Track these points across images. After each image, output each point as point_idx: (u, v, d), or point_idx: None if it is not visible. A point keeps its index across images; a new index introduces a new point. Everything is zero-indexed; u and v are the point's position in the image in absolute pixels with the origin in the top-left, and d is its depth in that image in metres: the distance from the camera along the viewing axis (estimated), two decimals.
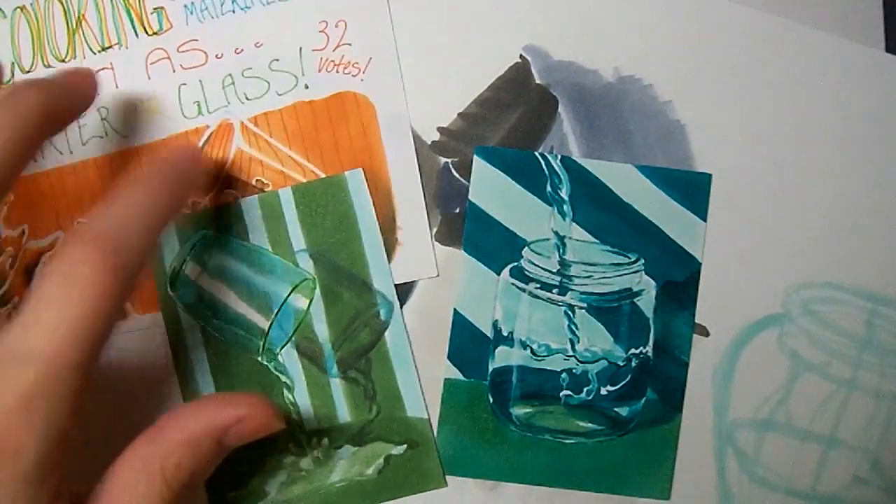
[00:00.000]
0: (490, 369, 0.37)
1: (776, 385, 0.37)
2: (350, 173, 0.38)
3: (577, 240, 0.37)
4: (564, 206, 0.36)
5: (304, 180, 0.38)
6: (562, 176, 0.36)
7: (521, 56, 0.39)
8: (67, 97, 0.32)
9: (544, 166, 0.37)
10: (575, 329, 0.36)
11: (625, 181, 0.37)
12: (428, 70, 0.39)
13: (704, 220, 0.37)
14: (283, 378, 0.37)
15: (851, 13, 0.39)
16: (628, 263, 0.36)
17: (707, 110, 0.38)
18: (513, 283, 0.37)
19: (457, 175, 0.38)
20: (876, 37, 0.39)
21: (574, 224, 0.37)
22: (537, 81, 0.39)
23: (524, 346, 0.36)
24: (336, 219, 0.38)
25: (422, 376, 0.37)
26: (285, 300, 0.36)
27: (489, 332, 0.37)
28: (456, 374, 0.37)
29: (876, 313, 0.37)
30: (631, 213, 0.37)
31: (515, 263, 0.37)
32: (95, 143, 0.38)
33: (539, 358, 0.36)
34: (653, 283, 0.37)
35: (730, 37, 0.38)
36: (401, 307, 0.38)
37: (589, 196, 0.37)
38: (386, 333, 0.37)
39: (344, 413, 0.37)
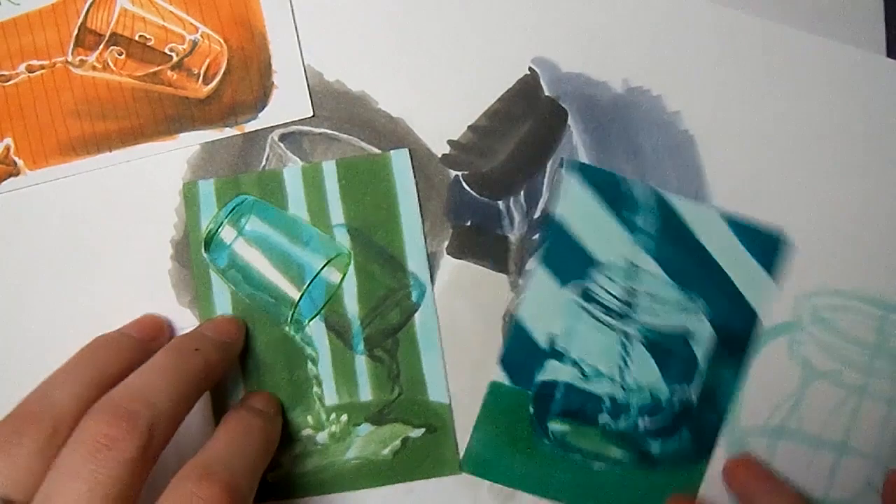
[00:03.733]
0: (537, 380, 0.37)
1: (788, 392, 0.38)
2: (396, 153, 0.38)
3: (649, 272, 0.36)
4: (645, 237, 0.36)
5: (183, 32, 0.38)
6: (649, 207, 0.36)
7: (529, 68, 0.39)
8: (222, 353, 0.34)
9: (634, 193, 0.37)
10: (627, 358, 0.36)
11: (706, 224, 0.37)
12: (437, 83, 0.39)
13: (774, 279, 0.37)
14: (308, 350, 0.37)
15: (854, 20, 0.39)
16: (692, 305, 0.36)
17: (715, 120, 0.38)
18: (577, 302, 0.37)
19: (467, 188, 0.38)
20: (878, 42, 0.39)
21: (648, 256, 0.37)
22: (546, 93, 0.39)
23: (575, 364, 0.36)
24: (377, 196, 0.37)
25: None
26: (318, 272, 0.35)
27: (544, 345, 0.37)
28: (503, 379, 0.37)
29: (887, 320, 0.37)
30: (705, 256, 0.37)
31: (584, 282, 0.37)
32: None
33: (586, 379, 0.36)
34: (711, 329, 0.37)
35: (737, 47, 0.39)
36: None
37: (669, 232, 0.37)
38: (416, 315, 0.37)
39: (366, 391, 0.37)
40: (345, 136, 0.39)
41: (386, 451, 0.37)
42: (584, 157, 0.38)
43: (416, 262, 0.37)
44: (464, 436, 0.37)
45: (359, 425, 0.37)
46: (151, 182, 0.39)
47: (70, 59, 0.39)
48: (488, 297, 0.38)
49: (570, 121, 0.39)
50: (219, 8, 0.39)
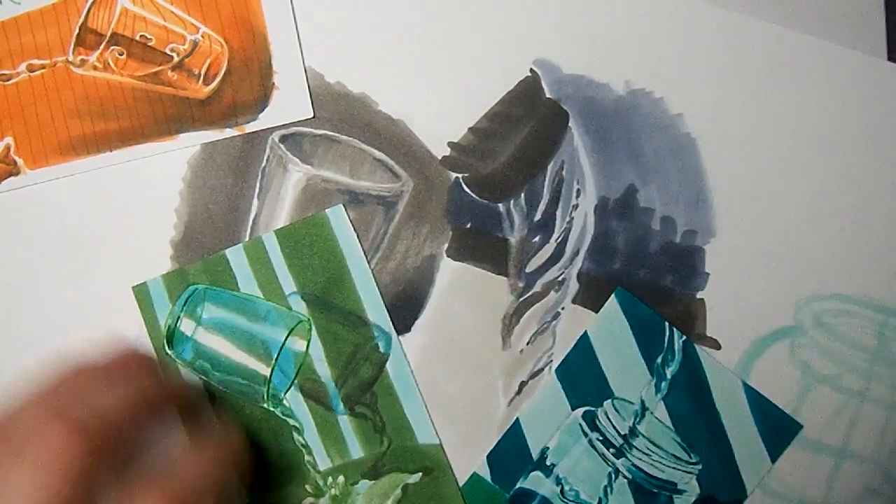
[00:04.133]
0: (517, 486, 0.37)
1: (788, 397, 0.37)
2: (331, 211, 0.38)
3: (657, 418, 0.37)
4: (663, 384, 0.37)
5: (184, 33, 0.38)
6: (676, 356, 0.37)
7: (531, 70, 0.39)
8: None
9: (667, 339, 0.37)
10: (609, 492, 0.36)
11: (727, 390, 0.37)
12: (438, 85, 0.39)
13: (773, 462, 0.37)
14: (291, 421, 0.37)
15: (855, 24, 0.39)
16: (687, 462, 0.36)
17: (718, 123, 0.38)
18: (580, 424, 0.37)
19: (467, 190, 0.38)
20: (879, 46, 0.39)
21: (661, 402, 0.37)
22: (548, 95, 0.39)
23: (558, 482, 0.37)
24: (323, 257, 0.38)
25: (434, 394, 0.38)
26: (283, 344, 0.35)
27: (535, 454, 0.37)
28: (486, 474, 0.37)
29: (887, 325, 0.37)
30: (716, 421, 0.37)
31: (591, 408, 0.37)
32: None
33: (564, 500, 0.37)
34: (698, 490, 0.37)
35: (739, 50, 0.38)
36: (413, 322, 0.38)
37: (688, 386, 0.37)
38: (387, 365, 0.37)
39: (356, 449, 0.37)
40: (345, 137, 0.39)
41: (389, 503, 0.37)
42: (584, 159, 0.38)
43: (375, 312, 0.37)
44: (470, 444, 0.37)
45: (356, 483, 0.37)
46: (152, 183, 0.38)
47: (71, 58, 0.39)
48: (488, 300, 0.38)
49: (571, 123, 0.38)
50: (220, 8, 0.39)
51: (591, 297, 0.38)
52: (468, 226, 0.38)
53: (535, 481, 0.37)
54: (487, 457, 0.37)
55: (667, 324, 0.37)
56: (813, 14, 0.39)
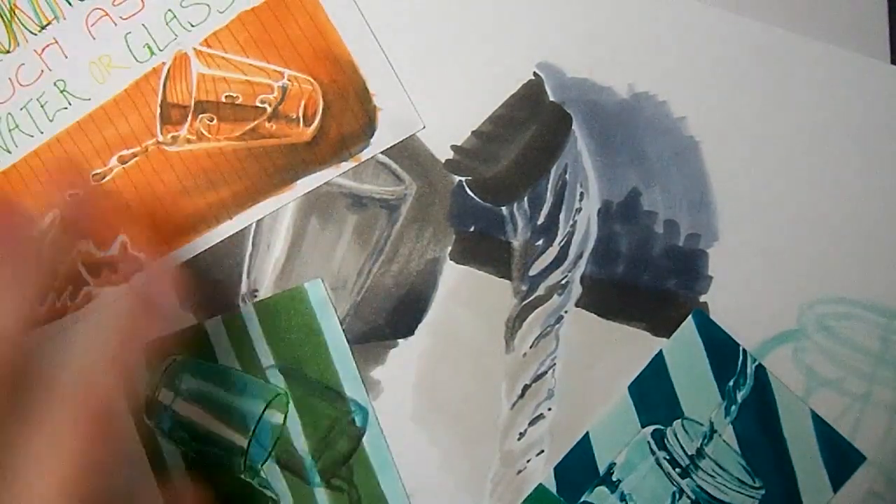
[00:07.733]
0: (581, 499, 0.37)
1: None
2: (309, 284, 0.38)
3: (724, 441, 0.37)
4: (733, 407, 0.37)
5: (269, 81, 0.37)
6: (749, 380, 0.37)
7: (534, 73, 0.39)
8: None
9: (740, 363, 0.37)
10: None
11: (794, 417, 0.37)
12: (441, 88, 0.39)
13: (835, 491, 0.36)
14: (268, 493, 0.37)
15: (858, 28, 0.39)
16: (751, 486, 0.36)
17: (721, 127, 0.38)
18: (649, 442, 0.37)
19: (471, 194, 0.38)
20: (882, 50, 0.39)
21: (730, 426, 0.37)
22: (551, 99, 0.39)
23: (622, 498, 0.37)
24: (301, 331, 0.38)
25: (436, 397, 0.38)
26: (261, 417, 0.36)
27: (602, 469, 0.37)
28: (551, 486, 0.37)
29: (891, 329, 0.37)
30: (782, 446, 0.37)
31: (661, 427, 0.37)
32: (62, 115, 0.39)
33: None
34: None
35: (743, 53, 0.38)
36: (416, 325, 0.38)
37: (758, 411, 0.37)
38: (364, 439, 0.37)
39: None
40: None
41: None
42: (588, 163, 0.38)
43: (351, 387, 0.38)
44: (471, 447, 0.37)
45: None
46: None
47: (161, 138, 0.38)
48: (491, 303, 0.38)
49: (574, 126, 0.38)
50: (298, 47, 0.38)
51: (594, 300, 0.38)
52: (471, 229, 0.38)
53: (599, 496, 0.37)
54: (555, 469, 0.37)
55: (741, 347, 0.37)
56: (816, 17, 0.39)
